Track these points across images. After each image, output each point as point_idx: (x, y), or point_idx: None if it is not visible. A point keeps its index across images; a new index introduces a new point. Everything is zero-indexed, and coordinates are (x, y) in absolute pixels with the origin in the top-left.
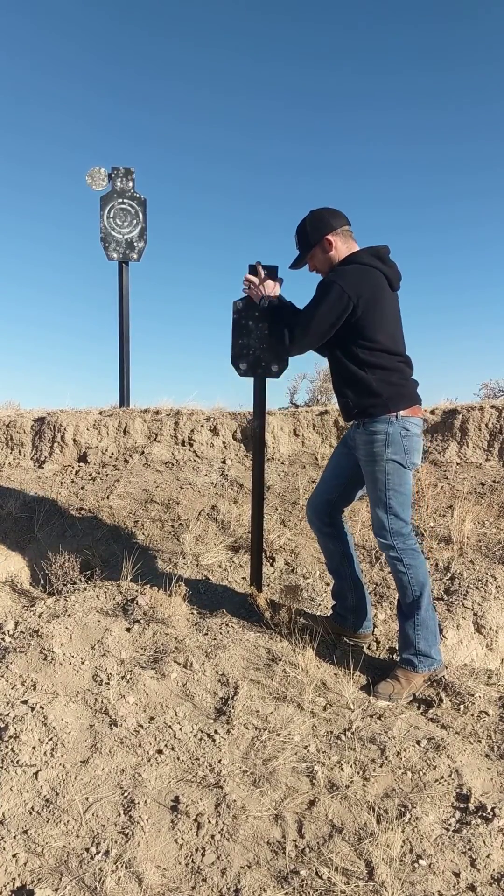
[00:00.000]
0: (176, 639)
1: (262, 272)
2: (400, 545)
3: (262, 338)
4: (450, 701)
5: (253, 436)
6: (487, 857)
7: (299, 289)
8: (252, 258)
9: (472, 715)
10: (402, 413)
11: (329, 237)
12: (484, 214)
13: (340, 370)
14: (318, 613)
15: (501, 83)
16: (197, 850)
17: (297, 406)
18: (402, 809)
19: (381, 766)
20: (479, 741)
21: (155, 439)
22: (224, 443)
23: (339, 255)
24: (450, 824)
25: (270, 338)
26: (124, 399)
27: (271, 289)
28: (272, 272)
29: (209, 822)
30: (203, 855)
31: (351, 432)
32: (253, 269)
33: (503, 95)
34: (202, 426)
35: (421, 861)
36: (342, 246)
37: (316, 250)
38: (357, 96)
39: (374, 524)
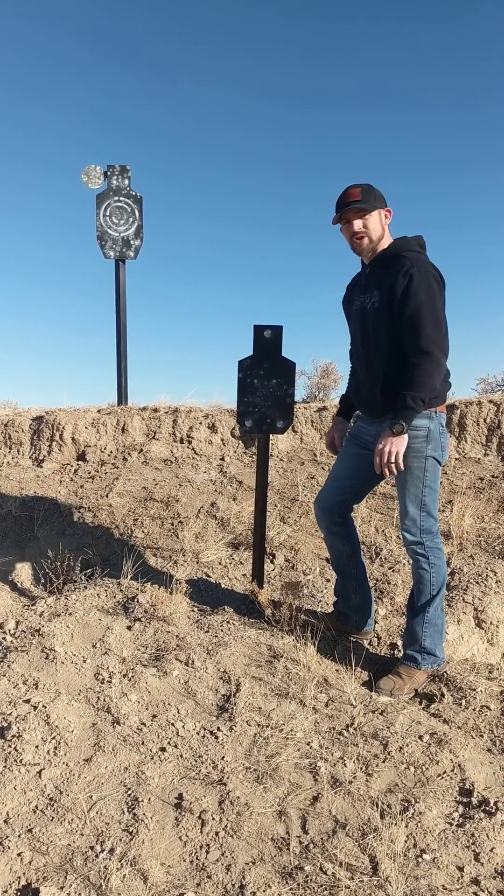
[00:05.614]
0: (177, 636)
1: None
2: (429, 542)
3: (267, 395)
4: (451, 696)
5: (256, 487)
6: (491, 850)
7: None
8: (249, 258)
9: (474, 709)
10: (438, 409)
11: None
12: (481, 211)
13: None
14: (320, 610)
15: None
16: (201, 847)
17: (294, 402)
18: (406, 804)
19: (383, 762)
20: (482, 736)
21: (153, 437)
22: (223, 440)
23: (385, 232)
24: (453, 819)
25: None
26: (122, 397)
27: (403, 443)
28: (276, 332)
29: (213, 819)
30: (207, 852)
31: (371, 429)
32: (259, 331)
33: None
34: (200, 423)
35: (425, 856)
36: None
37: (382, 213)
38: (358, 94)
39: (405, 520)
